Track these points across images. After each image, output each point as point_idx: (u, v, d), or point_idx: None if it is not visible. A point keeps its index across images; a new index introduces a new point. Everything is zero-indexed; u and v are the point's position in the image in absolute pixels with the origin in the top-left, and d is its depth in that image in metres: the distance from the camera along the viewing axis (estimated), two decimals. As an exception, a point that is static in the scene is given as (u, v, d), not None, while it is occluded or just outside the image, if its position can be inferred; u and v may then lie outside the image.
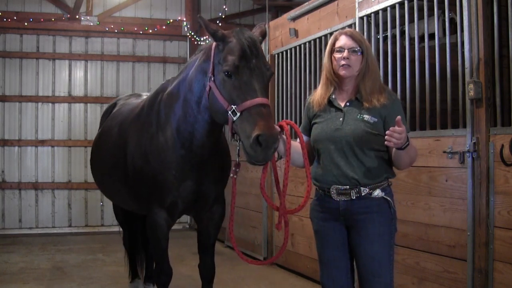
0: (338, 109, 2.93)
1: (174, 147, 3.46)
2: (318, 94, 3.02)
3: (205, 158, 3.45)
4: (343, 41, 2.90)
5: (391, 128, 2.60)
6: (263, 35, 3.13)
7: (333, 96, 2.97)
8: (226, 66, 2.85)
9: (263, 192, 3.00)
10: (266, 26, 6.07)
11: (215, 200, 3.73)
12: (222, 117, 2.95)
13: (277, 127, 2.79)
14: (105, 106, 9.35)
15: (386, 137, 2.63)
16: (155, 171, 3.52)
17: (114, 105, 4.99)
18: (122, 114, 4.35)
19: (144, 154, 3.61)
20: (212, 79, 3.00)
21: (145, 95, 4.89)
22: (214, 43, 3.06)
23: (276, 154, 2.87)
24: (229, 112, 2.81)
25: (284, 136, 2.84)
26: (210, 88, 3.02)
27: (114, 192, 4.38)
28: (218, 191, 3.70)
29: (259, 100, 2.75)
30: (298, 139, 2.96)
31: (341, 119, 2.89)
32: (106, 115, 5.03)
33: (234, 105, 2.80)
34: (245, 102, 2.75)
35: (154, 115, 3.63)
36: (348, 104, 2.92)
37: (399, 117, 2.60)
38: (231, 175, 3.05)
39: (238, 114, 2.76)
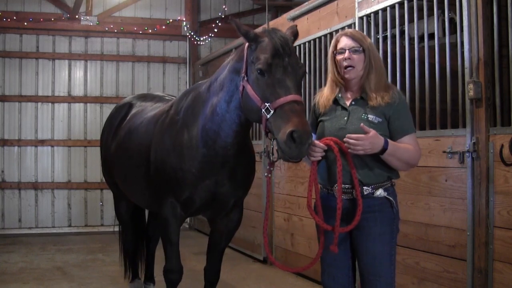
0: (344, 108, 2.95)
1: (197, 145, 3.49)
2: (324, 96, 3.04)
3: (227, 160, 3.45)
4: (343, 42, 2.92)
5: (346, 136, 2.70)
6: (295, 35, 3.15)
7: (339, 95, 2.99)
8: (259, 64, 2.87)
9: (311, 212, 2.90)
10: (266, 25, 6.08)
11: (234, 206, 3.74)
12: (256, 115, 2.95)
13: (320, 143, 2.79)
14: (105, 106, 9.44)
15: (345, 144, 2.72)
16: (176, 167, 3.55)
17: (130, 105, 4.91)
18: (151, 112, 4.33)
19: (167, 151, 3.64)
20: (245, 78, 3.02)
21: (167, 96, 4.93)
22: (247, 44, 3.08)
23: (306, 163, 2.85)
24: (263, 110, 2.82)
25: (319, 146, 2.81)
26: (243, 87, 3.04)
27: (136, 190, 4.36)
28: (238, 196, 3.70)
29: (292, 97, 2.76)
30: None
31: (345, 118, 2.91)
32: (117, 116, 4.92)
33: (267, 103, 2.81)
34: (279, 100, 2.76)
35: (181, 113, 3.67)
36: (353, 103, 2.94)
37: (361, 124, 2.70)
38: (266, 173, 3.05)
39: (272, 111, 2.77)
